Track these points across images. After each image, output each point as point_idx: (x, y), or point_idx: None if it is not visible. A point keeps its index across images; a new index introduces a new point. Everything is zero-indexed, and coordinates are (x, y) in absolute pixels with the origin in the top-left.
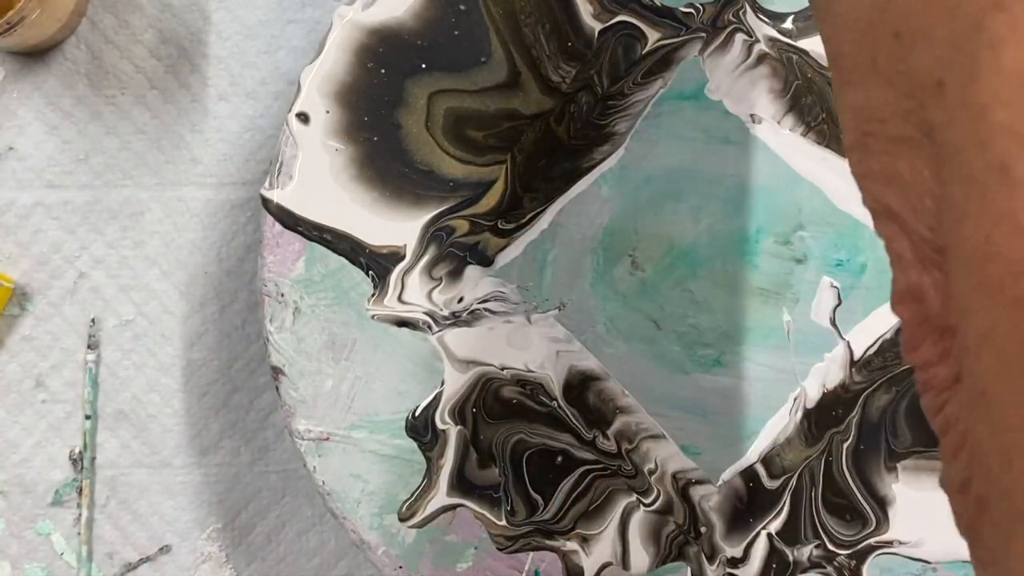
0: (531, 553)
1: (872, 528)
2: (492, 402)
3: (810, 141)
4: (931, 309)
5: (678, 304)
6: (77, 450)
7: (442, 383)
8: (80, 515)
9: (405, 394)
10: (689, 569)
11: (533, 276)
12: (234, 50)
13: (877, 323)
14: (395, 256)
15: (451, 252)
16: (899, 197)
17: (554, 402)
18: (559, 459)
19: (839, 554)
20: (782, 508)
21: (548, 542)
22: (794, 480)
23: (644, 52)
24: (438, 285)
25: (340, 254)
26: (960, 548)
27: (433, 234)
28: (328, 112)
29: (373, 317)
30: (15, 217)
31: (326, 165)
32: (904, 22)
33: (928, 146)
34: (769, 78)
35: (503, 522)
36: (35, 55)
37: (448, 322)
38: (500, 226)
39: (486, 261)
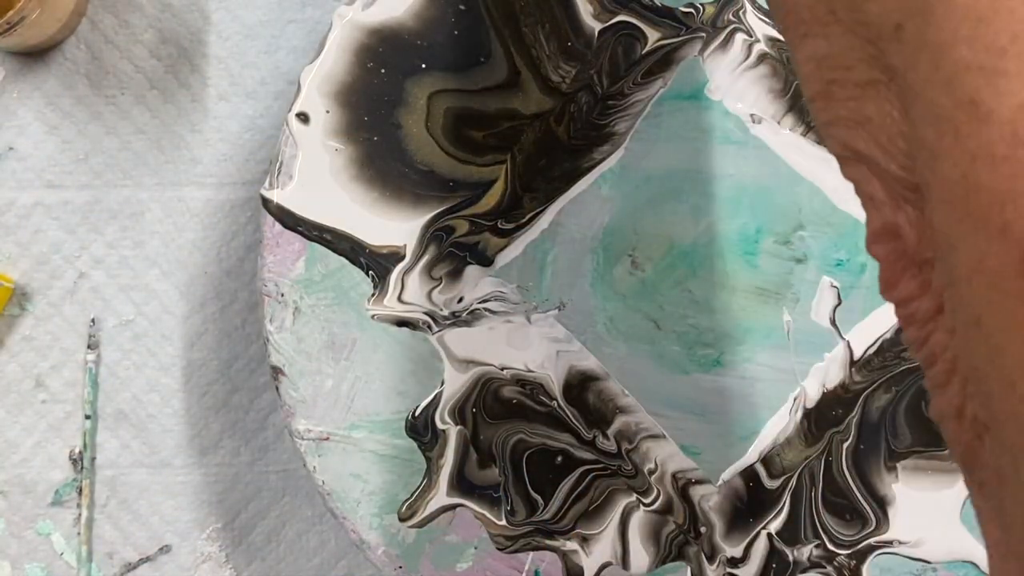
0: (531, 553)
1: (872, 528)
2: (492, 402)
3: (810, 141)
4: (908, 244)
5: (678, 304)
6: (77, 450)
7: (442, 383)
8: (80, 515)
9: (405, 394)
10: (689, 569)
11: (533, 276)
12: (234, 50)
13: (877, 323)
14: (395, 256)
15: (451, 252)
16: (868, 140)
17: (554, 402)
18: (559, 459)
19: (839, 554)
20: (782, 508)
21: (548, 542)
22: (794, 480)
23: (644, 52)
24: (438, 285)
25: (340, 254)
26: (960, 547)
27: (433, 234)
28: (328, 112)
29: (373, 317)
30: (15, 217)
31: (326, 165)
32: None
33: (895, 88)
34: (769, 78)
35: (503, 522)
36: (35, 55)
37: (448, 322)
38: (500, 226)
39: (486, 261)
